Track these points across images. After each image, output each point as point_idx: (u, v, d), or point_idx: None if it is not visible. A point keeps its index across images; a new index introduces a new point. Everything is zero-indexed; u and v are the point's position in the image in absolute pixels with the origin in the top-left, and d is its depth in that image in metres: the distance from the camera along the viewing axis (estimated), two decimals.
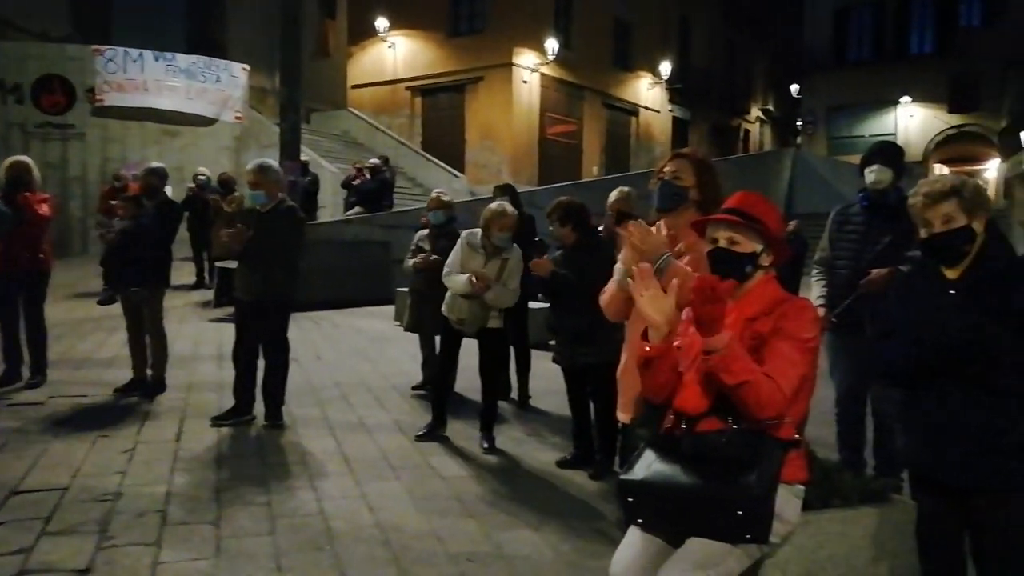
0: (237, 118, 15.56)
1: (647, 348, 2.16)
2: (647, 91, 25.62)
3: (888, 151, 3.87)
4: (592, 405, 4.53)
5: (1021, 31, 23.38)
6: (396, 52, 21.57)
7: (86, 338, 7.93)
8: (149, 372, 5.91)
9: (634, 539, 2.19)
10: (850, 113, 31.14)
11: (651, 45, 25.49)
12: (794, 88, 33.27)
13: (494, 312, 4.83)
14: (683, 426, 2.11)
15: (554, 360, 4.64)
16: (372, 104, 21.45)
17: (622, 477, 2.15)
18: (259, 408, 5.26)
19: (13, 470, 4.16)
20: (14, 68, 13.99)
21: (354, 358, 7.78)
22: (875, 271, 3.60)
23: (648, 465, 2.11)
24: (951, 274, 2.35)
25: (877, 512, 2.40)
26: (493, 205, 4.94)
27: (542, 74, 20.93)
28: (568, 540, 3.56)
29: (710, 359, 1.98)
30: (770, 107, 35.12)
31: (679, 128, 27.63)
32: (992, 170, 30.64)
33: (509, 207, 4.92)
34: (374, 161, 13.98)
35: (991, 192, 31.53)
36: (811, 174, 25.82)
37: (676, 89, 26.51)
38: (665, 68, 25.60)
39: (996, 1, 27.67)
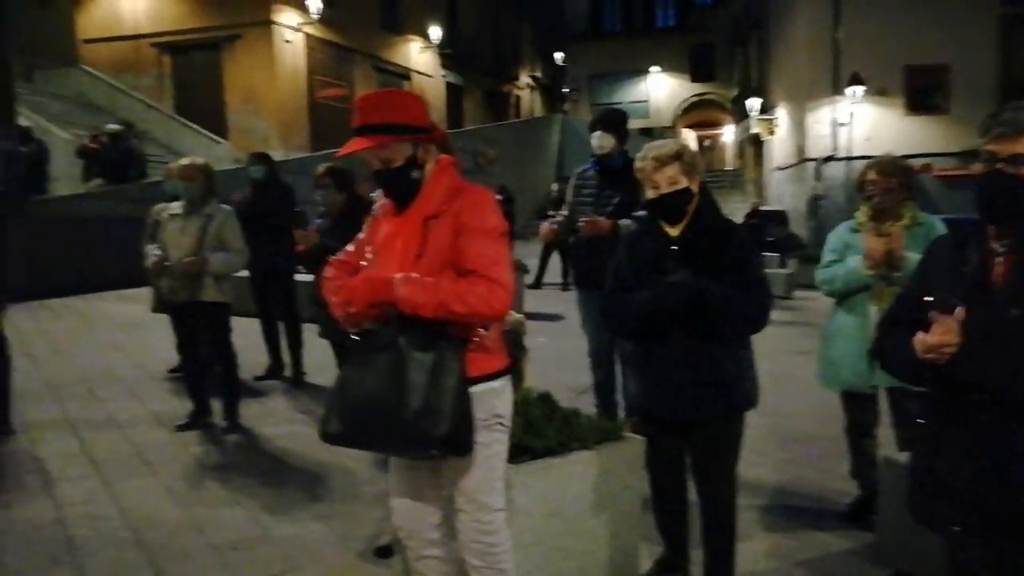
0: None
1: None
2: (418, 55, 25.44)
3: (609, 118, 4.16)
4: None
5: (743, 11, 26.44)
6: (136, 4, 19.30)
7: None
8: None
9: (395, 480, 2.18)
10: (608, 81, 33.46)
11: (419, 9, 25.28)
12: (558, 56, 34.92)
13: (211, 280, 4.53)
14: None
15: (321, 335, 4.53)
16: (111, 62, 19.03)
17: (320, 433, 2.05)
18: None
19: None
20: None
21: (103, 348, 7.04)
22: (597, 219, 3.90)
23: (332, 410, 2.01)
24: (673, 232, 2.63)
25: (611, 450, 2.65)
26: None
27: (307, 34, 19.92)
28: (339, 514, 3.55)
29: (404, 308, 1.89)
30: (538, 74, 36.60)
31: (453, 93, 27.86)
32: (728, 134, 34.66)
33: (196, 160, 4.73)
34: (114, 127, 12.41)
35: (728, 154, 35.79)
36: (577, 138, 27.43)
37: (447, 54, 26.65)
38: (435, 33, 25.58)
39: None
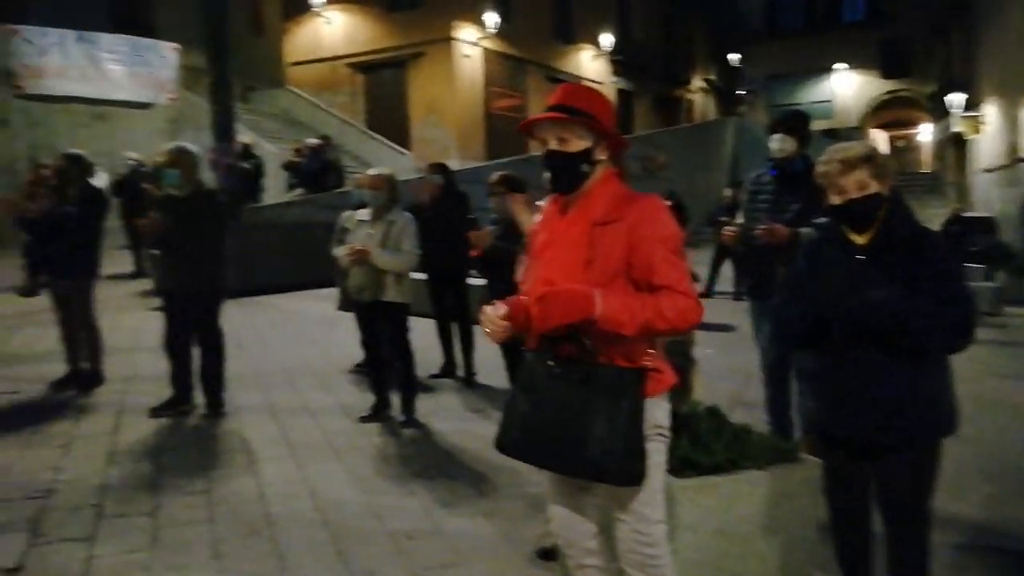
0: (171, 99, 15.13)
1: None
2: (590, 63, 25.62)
3: (791, 120, 3.97)
4: None
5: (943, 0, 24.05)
6: (334, 28, 21.10)
7: (19, 332, 7.70)
8: (85, 365, 5.79)
9: (553, 489, 2.20)
10: (788, 81, 31.75)
11: (591, 17, 25.45)
12: (733, 58, 33.64)
13: (392, 282, 4.83)
14: (549, 363, 2.03)
15: None
16: (312, 82, 20.97)
17: (497, 444, 2.12)
18: (202, 397, 5.21)
19: None
20: None
21: (300, 342, 7.74)
22: (776, 226, 3.72)
23: (512, 425, 2.07)
24: (859, 239, 2.44)
25: (785, 471, 2.53)
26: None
27: (484, 48, 20.76)
28: (504, 511, 3.66)
29: (600, 327, 1.89)
30: (712, 77, 35.51)
31: (624, 100, 27.74)
32: (925, 134, 31.67)
33: (382, 170, 5.09)
34: (314, 141, 13.72)
35: (924, 155, 32.70)
36: (754, 142, 26.25)
37: (618, 61, 26.57)
38: (606, 40, 25.61)
39: None
